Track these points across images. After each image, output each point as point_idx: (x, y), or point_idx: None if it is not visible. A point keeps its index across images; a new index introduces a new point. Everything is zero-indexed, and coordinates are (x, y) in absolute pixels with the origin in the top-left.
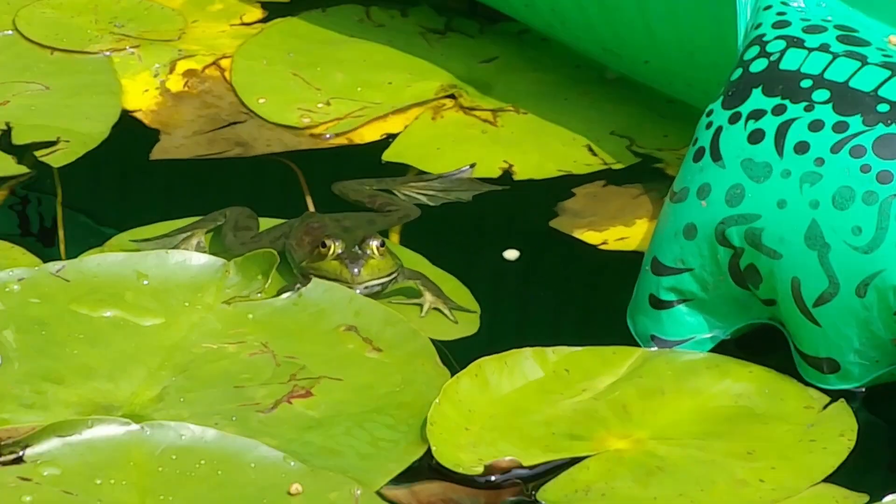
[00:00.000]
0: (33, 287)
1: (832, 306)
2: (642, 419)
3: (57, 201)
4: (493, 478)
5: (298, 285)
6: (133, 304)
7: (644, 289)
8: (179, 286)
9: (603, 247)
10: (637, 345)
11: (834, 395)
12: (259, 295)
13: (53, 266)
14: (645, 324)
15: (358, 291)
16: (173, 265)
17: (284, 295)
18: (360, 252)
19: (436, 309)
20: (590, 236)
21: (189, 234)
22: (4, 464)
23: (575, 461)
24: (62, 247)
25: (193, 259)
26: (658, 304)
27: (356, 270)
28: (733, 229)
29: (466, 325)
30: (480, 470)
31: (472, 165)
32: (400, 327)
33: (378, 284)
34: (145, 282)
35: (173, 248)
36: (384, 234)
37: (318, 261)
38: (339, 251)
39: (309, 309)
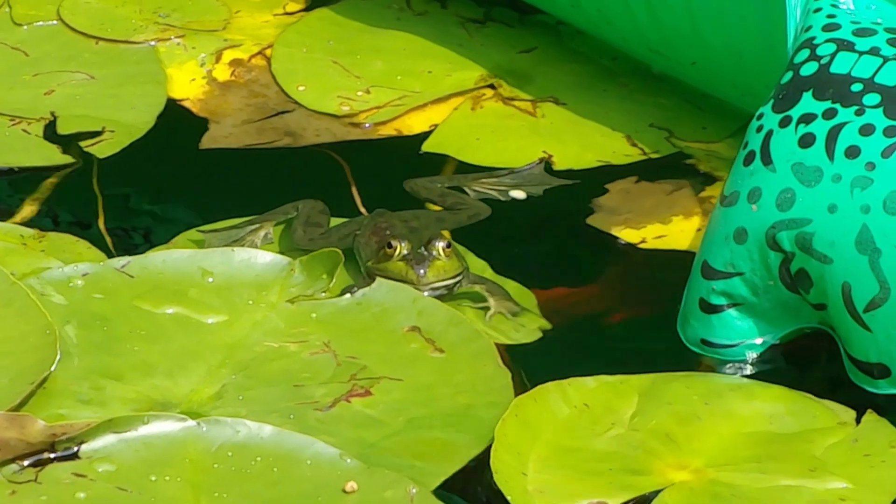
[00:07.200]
0: (97, 282)
1: (883, 311)
2: (690, 447)
3: (99, 192)
4: None
5: (356, 287)
6: (197, 301)
7: (694, 292)
8: (244, 284)
9: (642, 245)
10: (692, 357)
11: (858, 408)
12: (323, 294)
13: (118, 262)
14: (695, 328)
15: (425, 293)
16: (238, 263)
17: (346, 295)
18: (426, 253)
19: (501, 314)
20: (628, 234)
21: (258, 226)
22: (59, 459)
23: (648, 498)
24: (107, 237)
25: (259, 257)
26: (708, 308)
27: (422, 272)
28: (784, 233)
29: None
30: None
31: (541, 160)
32: (463, 328)
33: (444, 286)
34: (210, 279)
35: (240, 239)
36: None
37: (384, 261)
38: (405, 252)
39: (372, 308)
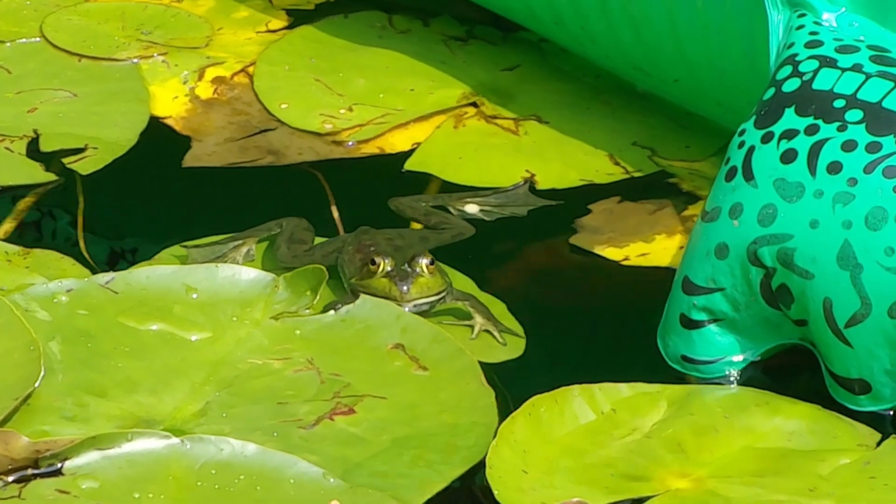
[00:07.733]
0: (81, 298)
1: (864, 327)
2: (698, 457)
3: (80, 209)
4: None
5: (340, 304)
6: (181, 317)
7: (675, 308)
8: (228, 300)
9: (625, 262)
10: (672, 374)
11: (885, 432)
12: (307, 311)
13: (103, 278)
14: (676, 343)
15: (406, 309)
16: (223, 279)
17: (330, 312)
18: (409, 270)
19: (486, 331)
20: (611, 253)
21: (241, 242)
22: (43, 476)
23: (638, 502)
24: (85, 253)
25: (243, 273)
26: (689, 323)
27: (405, 288)
28: (765, 249)
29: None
30: None
31: (526, 181)
32: (446, 345)
33: (427, 303)
34: (194, 295)
35: (223, 255)
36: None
37: (367, 278)
38: (389, 269)
39: (356, 325)
